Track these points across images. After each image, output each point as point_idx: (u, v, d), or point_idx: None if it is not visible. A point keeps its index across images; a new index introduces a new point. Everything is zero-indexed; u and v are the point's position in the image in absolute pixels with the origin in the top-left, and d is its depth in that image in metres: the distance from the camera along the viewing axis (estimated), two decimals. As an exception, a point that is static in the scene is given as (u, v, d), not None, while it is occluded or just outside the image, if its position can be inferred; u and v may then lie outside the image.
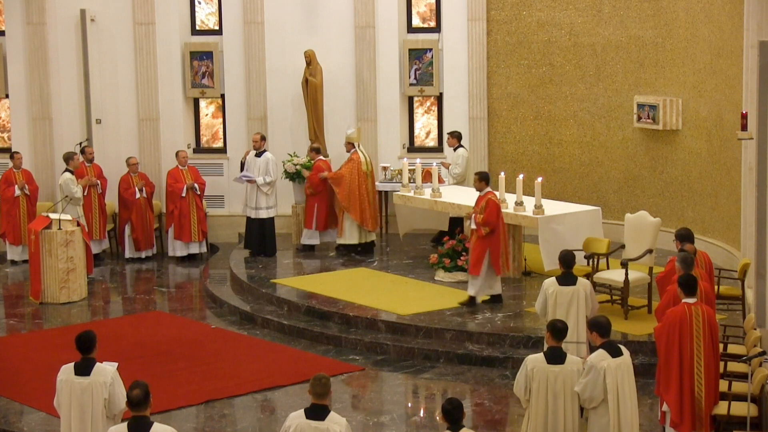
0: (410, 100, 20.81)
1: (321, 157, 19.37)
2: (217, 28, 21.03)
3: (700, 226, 18.01)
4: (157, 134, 20.77)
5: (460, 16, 20.09)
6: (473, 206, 15.78)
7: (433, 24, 20.64)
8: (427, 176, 18.87)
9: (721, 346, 12.32)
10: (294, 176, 19.54)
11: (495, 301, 15.94)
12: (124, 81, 20.69)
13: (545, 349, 10.81)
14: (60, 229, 17.55)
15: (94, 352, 10.47)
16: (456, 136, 19.28)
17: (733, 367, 12.35)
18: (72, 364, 10.47)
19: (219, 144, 21.19)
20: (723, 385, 11.73)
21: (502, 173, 17.34)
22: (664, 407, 11.56)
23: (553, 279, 12.89)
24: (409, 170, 18.44)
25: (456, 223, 18.18)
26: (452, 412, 9.33)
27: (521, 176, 17.10)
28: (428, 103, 20.89)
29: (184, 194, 19.80)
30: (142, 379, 9.36)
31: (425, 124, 20.93)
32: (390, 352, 15.17)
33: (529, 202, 16.83)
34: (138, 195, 19.88)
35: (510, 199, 16.99)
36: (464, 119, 20.25)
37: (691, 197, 18.56)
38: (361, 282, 17.42)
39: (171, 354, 15.27)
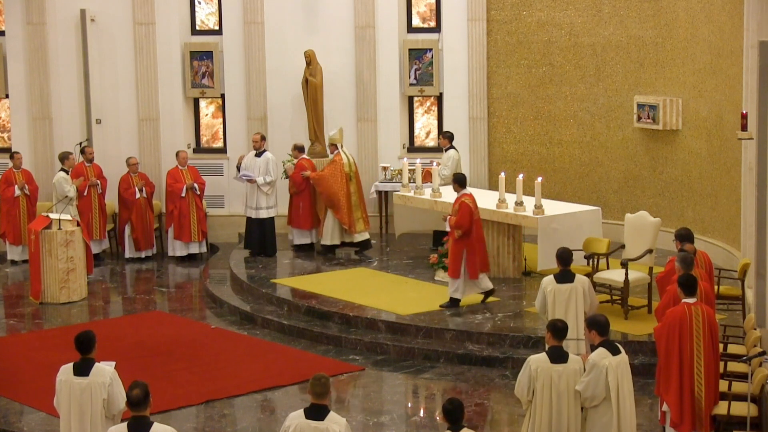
0: (410, 100, 20.81)
1: (304, 156, 19.39)
2: (217, 28, 21.03)
3: (700, 226, 18.00)
4: (157, 134, 20.77)
5: (460, 16, 20.09)
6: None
7: (433, 24, 20.64)
8: (427, 176, 18.87)
9: (721, 346, 12.32)
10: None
11: (489, 295, 15.94)
12: (124, 81, 20.70)
13: (546, 348, 10.80)
14: (60, 229, 17.55)
15: (94, 352, 10.47)
16: (448, 136, 19.27)
17: (733, 367, 12.35)
18: (71, 364, 10.47)
19: (219, 144, 21.19)
20: (723, 385, 11.73)
21: (502, 173, 17.33)
22: (664, 407, 11.56)
23: (551, 277, 12.90)
24: (409, 170, 18.43)
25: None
26: (453, 412, 9.34)
27: (521, 176, 17.10)
28: (428, 103, 20.89)
29: (183, 194, 19.80)
30: (142, 379, 9.36)
31: (425, 124, 20.93)
32: (390, 352, 15.17)
33: (529, 202, 16.83)
34: (138, 195, 19.88)
35: (510, 199, 16.99)
36: (464, 119, 20.25)
37: (691, 197, 18.56)
38: (361, 282, 17.42)
39: (171, 354, 15.26)
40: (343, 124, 20.34)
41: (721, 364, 12.04)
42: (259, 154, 19.17)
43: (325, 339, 15.67)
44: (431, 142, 20.76)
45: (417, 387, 14.27)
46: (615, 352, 10.68)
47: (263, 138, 19.37)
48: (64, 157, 19.62)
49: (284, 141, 20.29)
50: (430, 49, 20.38)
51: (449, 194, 18.03)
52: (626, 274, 15.18)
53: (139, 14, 20.52)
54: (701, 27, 18.11)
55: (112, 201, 20.30)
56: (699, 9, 18.11)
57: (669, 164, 18.90)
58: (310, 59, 19.92)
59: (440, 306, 15.90)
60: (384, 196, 20.13)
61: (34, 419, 13.16)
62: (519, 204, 16.86)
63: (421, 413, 13.59)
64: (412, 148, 20.75)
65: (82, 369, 10.37)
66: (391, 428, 12.85)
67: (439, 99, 20.64)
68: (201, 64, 20.81)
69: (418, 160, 18.60)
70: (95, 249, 19.56)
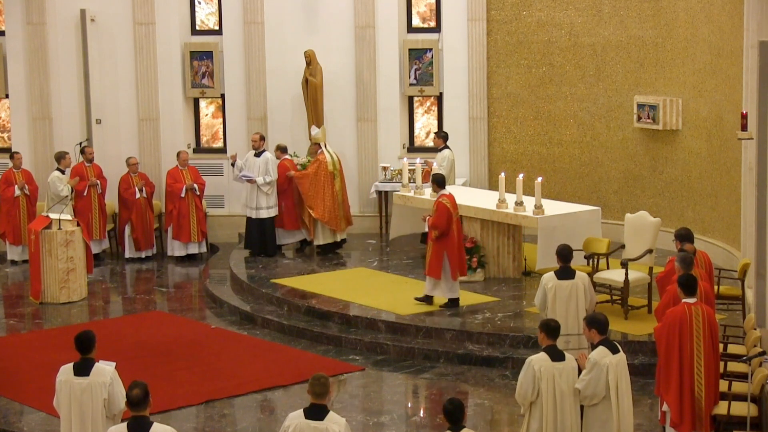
0: (410, 100, 20.81)
1: (286, 156, 19.42)
2: (217, 28, 21.03)
3: (700, 226, 18.00)
4: (157, 134, 20.77)
5: (460, 16, 20.09)
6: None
7: (433, 24, 20.64)
8: (427, 176, 18.85)
9: (721, 346, 12.32)
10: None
11: (452, 305, 15.91)
12: (124, 81, 20.70)
13: (543, 348, 10.78)
14: (60, 229, 17.55)
15: (94, 352, 10.47)
16: (442, 136, 19.30)
17: (733, 367, 12.35)
18: (71, 364, 10.47)
19: (219, 144, 21.19)
20: (723, 385, 11.73)
21: (502, 173, 17.33)
22: (664, 407, 11.56)
23: (551, 274, 12.89)
24: (409, 170, 18.43)
25: None
26: (453, 412, 9.33)
27: (521, 176, 17.09)
28: (428, 103, 20.89)
29: (183, 195, 19.79)
30: (142, 379, 9.36)
31: (425, 124, 20.93)
32: (390, 352, 15.17)
33: (529, 202, 16.83)
34: (138, 195, 19.88)
35: (510, 199, 16.99)
36: (464, 119, 20.25)
37: (691, 197, 18.56)
38: (361, 282, 17.41)
39: (171, 354, 15.27)
40: (343, 124, 20.39)
41: (721, 364, 12.04)
42: (258, 154, 19.17)
43: (325, 339, 15.67)
44: (431, 142, 20.75)
45: (417, 387, 14.27)
46: (614, 351, 10.69)
47: (262, 138, 19.38)
48: (59, 157, 19.65)
49: (284, 141, 20.26)
50: (430, 49, 20.38)
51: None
52: (626, 274, 15.18)
53: (139, 14, 20.52)
54: (701, 27, 18.11)
55: (112, 201, 20.30)
56: (699, 9, 18.11)
57: (669, 164, 18.90)
58: (310, 59, 19.92)
59: (414, 298, 15.95)
60: (384, 196, 20.13)
61: (34, 419, 13.16)
62: (519, 204, 16.85)
63: (421, 413, 13.59)
64: (412, 148, 20.75)
65: (83, 369, 10.37)
66: (391, 428, 12.85)
67: (439, 99, 20.64)
68: (201, 64, 20.81)
69: (418, 160, 18.60)
70: (95, 249, 19.56)
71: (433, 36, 20.46)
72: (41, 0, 20.40)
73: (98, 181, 19.83)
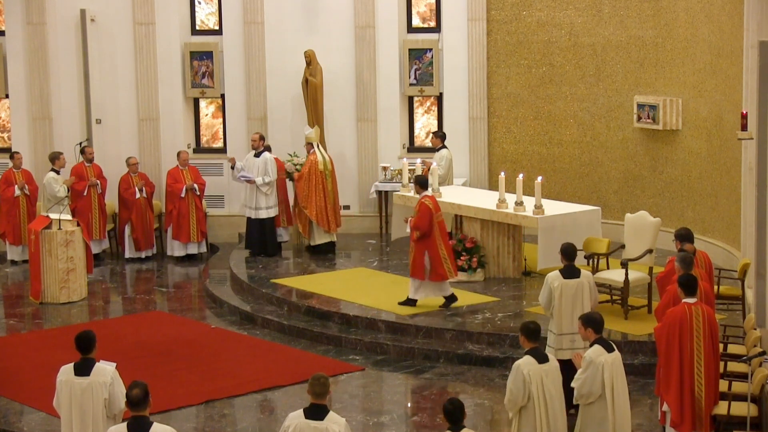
0: (410, 100, 20.81)
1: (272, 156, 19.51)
2: (217, 28, 21.04)
3: (700, 226, 18.00)
4: (157, 134, 20.77)
5: (460, 16, 20.09)
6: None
7: (433, 24, 20.64)
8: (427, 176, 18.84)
9: (721, 346, 12.32)
10: (294, 176, 19.56)
11: (450, 302, 15.91)
12: (124, 81, 20.70)
13: (526, 351, 10.70)
14: (60, 229, 17.55)
15: (94, 352, 10.47)
16: (440, 136, 19.33)
17: (733, 367, 12.36)
18: (71, 364, 10.47)
19: (219, 144, 21.20)
20: (723, 385, 11.73)
21: (502, 173, 17.33)
22: (664, 407, 11.56)
23: (557, 272, 12.85)
24: (409, 170, 18.43)
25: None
26: (453, 412, 9.34)
27: (521, 176, 17.10)
28: (428, 103, 20.89)
29: (183, 195, 19.80)
30: (142, 379, 9.36)
31: (425, 124, 20.93)
32: (390, 352, 15.17)
33: (529, 202, 16.83)
34: (138, 195, 19.88)
35: (510, 199, 16.99)
36: (464, 119, 20.26)
37: (691, 197, 18.56)
38: (361, 282, 17.41)
39: (171, 354, 15.27)
40: (343, 124, 20.40)
41: (721, 364, 12.05)
42: (258, 154, 19.18)
43: (325, 339, 15.68)
44: (431, 142, 20.76)
45: (417, 387, 14.26)
46: (609, 349, 10.70)
47: (262, 138, 19.38)
48: (54, 157, 19.66)
49: (284, 141, 20.30)
50: (430, 49, 20.38)
51: (450, 194, 18.07)
52: (626, 274, 15.18)
53: (139, 14, 20.52)
54: (701, 27, 18.11)
55: (112, 201, 20.30)
56: (699, 9, 18.11)
57: (669, 164, 18.90)
58: (310, 59, 19.92)
59: (398, 303, 15.94)
60: (384, 196, 20.13)
61: (34, 419, 13.16)
62: (519, 204, 16.86)
63: (421, 413, 13.59)
64: (412, 148, 20.75)
65: (83, 369, 10.37)
66: (391, 428, 12.85)
67: (439, 99, 20.64)
68: (201, 64, 20.81)
69: (418, 160, 18.61)
70: (95, 249, 19.56)
71: (433, 36, 20.46)
72: (41, 0, 20.40)
73: (98, 181, 19.84)
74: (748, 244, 15.40)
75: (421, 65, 20.41)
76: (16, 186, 19.79)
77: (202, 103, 21.27)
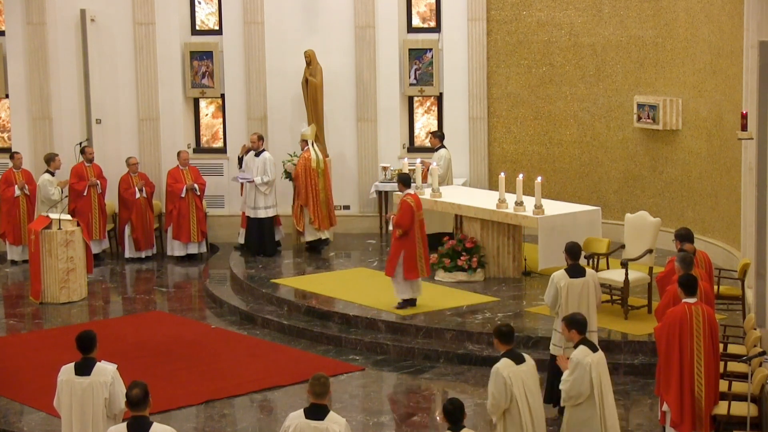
0: (410, 100, 20.81)
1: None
2: (217, 28, 21.03)
3: (700, 226, 18.01)
4: (157, 134, 20.77)
5: (460, 16, 20.09)
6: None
7: (433, 24, 20.64)
8: (426, 176, 18.86)
9: (721, 346, 12.32)
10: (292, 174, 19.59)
11: (408, 305, 15.90)
12: (124, 81, 20.70)
13: (502, 353, 10.64)
14: (60, 229, 17.55)
15: (95, 351, 10.47)
16: (438, 136, 19.35)
17: (733, 367, 12.36)
18: (72, 364, 10.47)
19: (219, 144, 21.19)
20: (723, 385, 11.73)
21: (502, 173, 17.33)
22: (664, 407, 11.56)
23: (562, 272, 12.83)
24: (409, 170, 18.42)
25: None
26: (453, 412, 9.33)
27: (521, 176, 17.10)
28: (428, 103, 20.89)
29: (183, 195, 19.80)
30: (142, 379, 9.35)
31: (425, 124, 20.93)
32: (390, 352, 15.17)
33: (529, 202, 16.83)
34: (138, 195, 19.88)
35: (510, 199, 17.00)
36: (464, 119, 20.25)
37: (691, 197, 18.56)
38: (361, 282, 17.41)
39: (171, 354, 15.27)
40: (343, 124, 20.40)
41: (721, 364, 12.04)
42: (258, 154, 19.20)
43: (325, 339, 15.68)
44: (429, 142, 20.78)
45: (417, 387, 14.26)
46: (594, 349, 10.72)
47: (260, 138, 19.41)
48: (49, 159, 19.67)
49: (284, 141, 20.30)
50: (430, 49, 20.38)
51: (450, 194, 18.07)
52: (626, 274, 15.18)
53: (139, 14, 20.52)
54: (701, 27, 18.11)
55: (112, 201, 20.30)
56: (699, 9, 18.11)
57: (669, 164, 18.90)
58: (310, 59, 19.92)
59: (393, 308, 15.94)
60: (384, 196, 20.13)
61: (34, 419, 13.16)
62: (519, 204, 16.86)
63: (421, 413, 13.59)
64: (412, 148, 20.75)
65: (84, 368, 10.37)
66: (391, 428, 12.85)
67: (439, 99, 20.64)
68: (201, 64, 20.81)
69: (418, 160, 18.61)
70: (95, 249, 19.56)
71: (433, 36, 20.46)
72: (41, 0, 20.40)
73: (98, 181, 19.83)
74: (748, 244, 15.40)
75: (421, 65, 20.41)
76: (16, 186, 19.79)
77: (202, 103, 21.27)
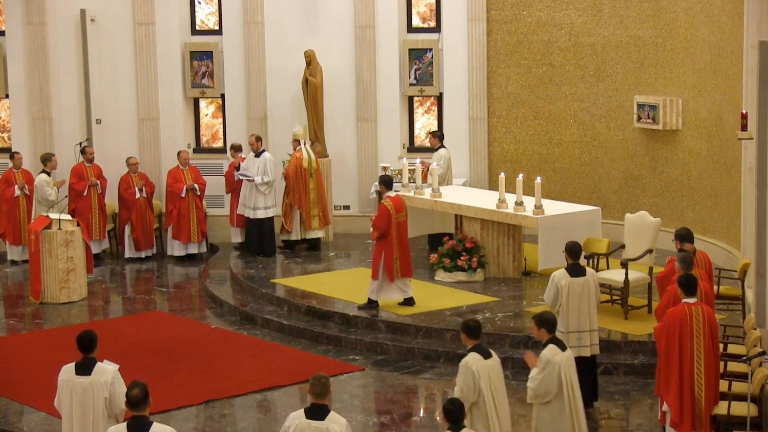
0: (410, 100, 20.81)
1: (241, 155, 19.59)
2: (217, 28, 21.04)
3: (700, 226, 18.01)
4: (157, 134, 20.77)
5: (460, 16, 20.09)
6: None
7: (433, 24, 20.64)
8: (426, 176, 18.86)
9: (721, 346, 12.32)
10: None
11: (408, 303, 15.93)
12: (124, 81, 20.70)
13: (470, 348, 10.63)
14: (60, 229, 17.55)
15: (95, 351, 10.47)
16: (438, 136, 19.36)
17: (733, 367, 12.36)
18: (73, 363, 10.47)
19: (219, 144, 21.19)
20: (723, 385, 11.73)
21: (502, 173, 17.33)
22: (664, 407, 11.56)
23: (563, 271, 12.84)
24: (409, 170, 18.43)
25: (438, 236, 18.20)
26: (453, 412, 9.33)
27: (521, 176, 17.10)
28: (428, 103, 20.89)
29: (183, 195, 19.80)
30: (142, 379, 9.36)
31: (425, 124, 20.93)
32: (390, 352, 15.17)
33: (529, 202, 16.83)
34: (138, 195, 19.88)
35: (510, 199, 17.00)
36: (464, 119, 20.26)
37: (691, 197, 18.56)
38: (361, 282, 17.39)
39: (171, 354, 15.27)
40: (343, 124, 20.40)
41: (721, 364, 12.05)
42: (258, 154, 19.22)
43: (325, 339, 15.68)
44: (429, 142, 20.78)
45: (417, 387, 14.27)
46: (563, 348, 10.73)
47: (258, 139, 19.43)
48: (46, 159, 19.66)
49: (284, 141, 20.28)
50: (430, 49, 20.38)
51: (450, 194, 18.07)
52: (626, 274, 15.18)
53: (139, 14, 20.52)
54: (701, 27, 18.11)
55: (112, 201, 20.31)
56: (699, 9, 18.11)
57: (669, 164, 18.90)
58: (310, 59, 19.92)
59: (358, 307, 15.98)
60: (384, 196, 20.12)
61: (34, 419, 13.16)
62: (519, 204, 16.86)
63: (421, 413, 13.59)
64: (412, 148, 20.75)
65: (84, 368, 10.37)
66: (391, 428, 12.85)
67: (439, 99, 20.64)
68: (201, 64, 20.81)
69: (418, 160, 18.61)
70: (95, 249, 19.56)
71: (433, 36, 20.46)
72: (41, 0, 20.40)
73: (98, 181, 19.83)
74: (748, 244, 15.41)
75: (421, 65, 20.41)
76: (16, 186, 19.79)
77: (202, 103, 21.27)
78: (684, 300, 11.40)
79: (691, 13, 18.32)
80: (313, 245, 19.38)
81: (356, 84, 20.41)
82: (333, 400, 12.91)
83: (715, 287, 14.22)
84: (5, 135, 21.42)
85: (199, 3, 21.05)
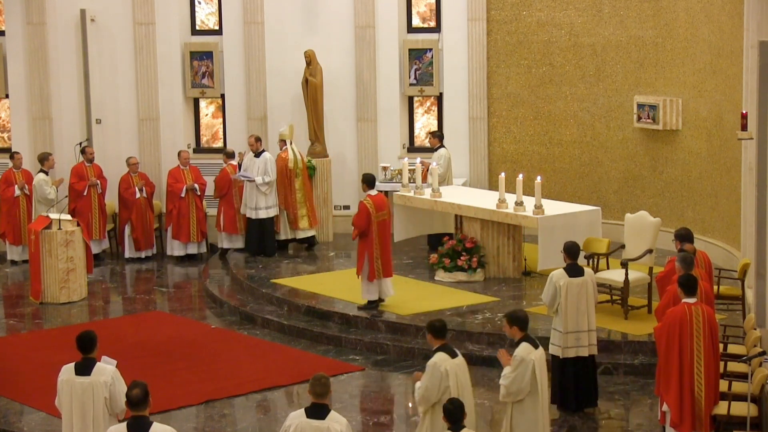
0: (410, 100, 20.81)
1: (231, 162, 19.68)
2: (217, 28, 21.04)
3: (700, 226, 18.01)
4: (157, 134, 20.77)
5: (460, 16, 20.09)
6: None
7: (433, 24, 20.64)
8: (426, 176, 18.86)
9: (721, 346, 12.33)
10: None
11: (369, 307, 15.91)
12: (124, 81, 20.70)
13: (436, 348, 10.59)
14: (60, 229, 17.55)
15: (95, 351, 10.47)
16: (437, 136, 19.36)
17: (733, 367, 12.36)
18: (72, 364, 10.47)
19: (219, 144, 21.20)
20: (723, 385, 11.73)
21: (502, 173, 17.33)
22: (664, 407, 11.56)
23: (561, 271, 12.84)
24: (409, 170, 18.43)
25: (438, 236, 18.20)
26: (454, 412, 9.33)
27: (521, 176, 17.10)
28: (428, 103, 20.89)
29: (183, 195, 19.80)
30: (142, 379, 9.36)
31: (425, 124, 20.93)
32: (390, 352, 15.18)
33: (529, 202, 16.83)
34: (138, 195, 19.88)
35: (510, 199, 17.00)
36: (464, 119, 20.26)
37: (691, 197, 18.56)
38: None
39: (171, 354, 15.27)
40: (343, 124, 20.41)
41: (721, 364, 12.05)
42: (258, 155, 19.22)
43: (325, 339, 15.68)
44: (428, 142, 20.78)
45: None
46: (536, 346, 10.72)
47: (258, 139, 19.43)
48: (43, 158, 19.67)
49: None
50: (430, 49, 20.38)
51: (450, 194, 18.07)
52: (626, 274, 15.18)
53: (139, 14, 20.52)
54: (701, 27, 18.11)
55: (112, 201, 20.31)
56: (699, 9, 18.12)
57: (669, 164, 18.90)
58: (310, 59, 19.92)
59: (358, 308, 15.98)
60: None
61: (34, 419, 13.16)
62: (519, 204, 16.85)
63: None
64: (412, 148, 20.75)
65: (84, 368, 10.37)
66: (391, 428, 12.85)
67: (439, 99, 20.64)
68: (201, 64, 20.81)
69: (418, 160, 18.60)
70: (95, 249, 19.56)
71: (433, 36, 20.46)
72: (41, 0, 20.40)
73: (98, 181, 19.83)
74: (748, 244, 15.41)
75: (421, 65, 20.41)
76: (16, 186, 19.79)
77: (202, 103, 21.28)
78: (684, 300, 11.40)
79: (691, 13, 18.33)
80: (310, 243, 19.39)
81: (356, 84, 20.41)
82: (333, 400, 12.92)
83: (715, 287, 14.22)
84: (5, 135, 21.43)
85: (199, 3, 21.06)
